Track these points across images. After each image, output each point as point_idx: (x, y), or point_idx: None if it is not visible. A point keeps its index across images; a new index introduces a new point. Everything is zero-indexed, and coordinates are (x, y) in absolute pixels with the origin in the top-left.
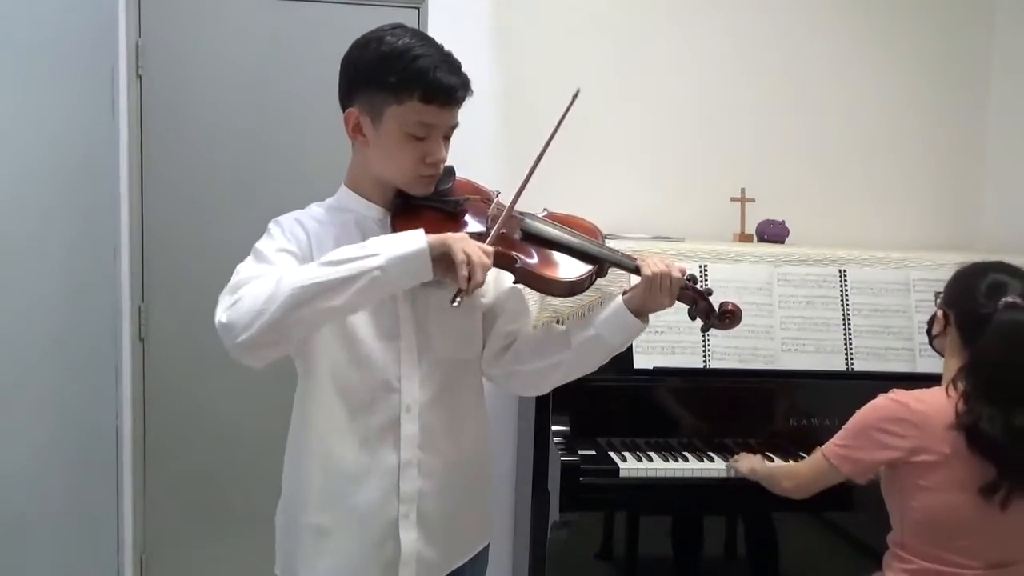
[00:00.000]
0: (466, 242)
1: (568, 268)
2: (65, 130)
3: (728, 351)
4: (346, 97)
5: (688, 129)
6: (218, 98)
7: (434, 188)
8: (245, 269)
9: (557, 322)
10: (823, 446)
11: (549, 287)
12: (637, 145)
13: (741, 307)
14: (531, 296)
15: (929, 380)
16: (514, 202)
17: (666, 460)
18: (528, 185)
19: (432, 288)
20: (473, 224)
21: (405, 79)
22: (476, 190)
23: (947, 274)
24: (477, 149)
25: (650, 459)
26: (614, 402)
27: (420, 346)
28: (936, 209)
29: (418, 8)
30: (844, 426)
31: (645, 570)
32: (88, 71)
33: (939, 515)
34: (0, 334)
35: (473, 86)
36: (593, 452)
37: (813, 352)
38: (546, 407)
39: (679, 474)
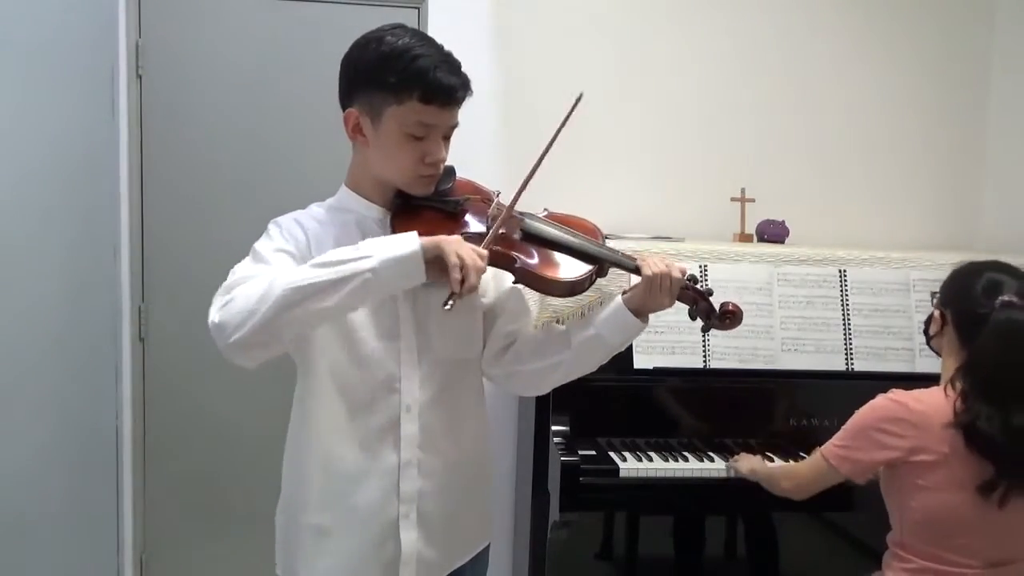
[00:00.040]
0: (460, 245)
1: (568, 268)
2: (65, 130)
3: (728, 351)
4: (346, 97)
5: (688, 129)
6: (218, 98)
7: (434, 188)
8: (241, 269)
9: (557, 322)
10: (822, 447)
11: (549, 287)
12: (637, 145)
13: (741, 307)
14: (531, 296)
15: (929, 380)
16: (514, 202)
17: (666, 460)
18: (528, 185)
19: (432, 288)
20: (473, 224)
21: (405, 79)
22: (476, 190)
23: (947, 274)
24: (477, 149)
25: (650, 459)
26: (614, 402)
27: (420, 346)
28: (936, 209)
29: (418, 8)
30: (843, 427)
31: (645, 570)
32: (88, 71)
33: (938, 514)
34: (0, 334)
35: (473, 86)
36: (593, 452)
37: (813, 352)
38: (546, 407)
39: (679, 474)
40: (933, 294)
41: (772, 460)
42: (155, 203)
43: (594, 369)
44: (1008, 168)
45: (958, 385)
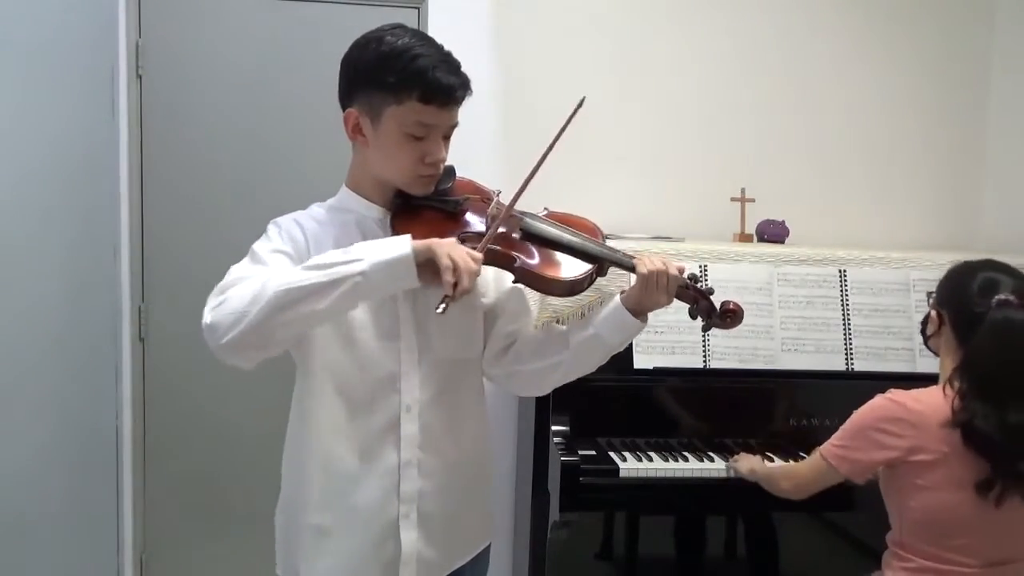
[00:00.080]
0: (453, 247)
1: (567, 267)
2: (65, 130)
3: (728, 351)
4: (346, 97)
5: (688, 129)
6: (218, 98)
7: (434, 188)
8: (237, 270)
9: (557, 322)
10: (821, 446)
11: (548, 286)
12: (637, 145)
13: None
14: (531, 296)
15: (929, 380)
16: (513, 201)
17: (666, 460)
18: (528, 186)
19: (432, 289)
20: (473, 224)
21: (404, 79)
22: (476, 190)
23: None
24: (477, 149)
25: (650, 459)
26: (614, 402)
27: (420, 346)
28: (936, 209)
29: (418, 8)
30: (842, 426)
31: (645, 570)
32: (88, 71)
33: (937, 514)
34: (0, 334)
35: (473, 86)
36: (593, 452)
37: (813, 352)
38: (546, 407)
39: (679, 474)
40: (929, 294)
41: (772, 460)
42: (155, 203)
43: (594, 369)
44: (1008, 168)
45: (956, 384)
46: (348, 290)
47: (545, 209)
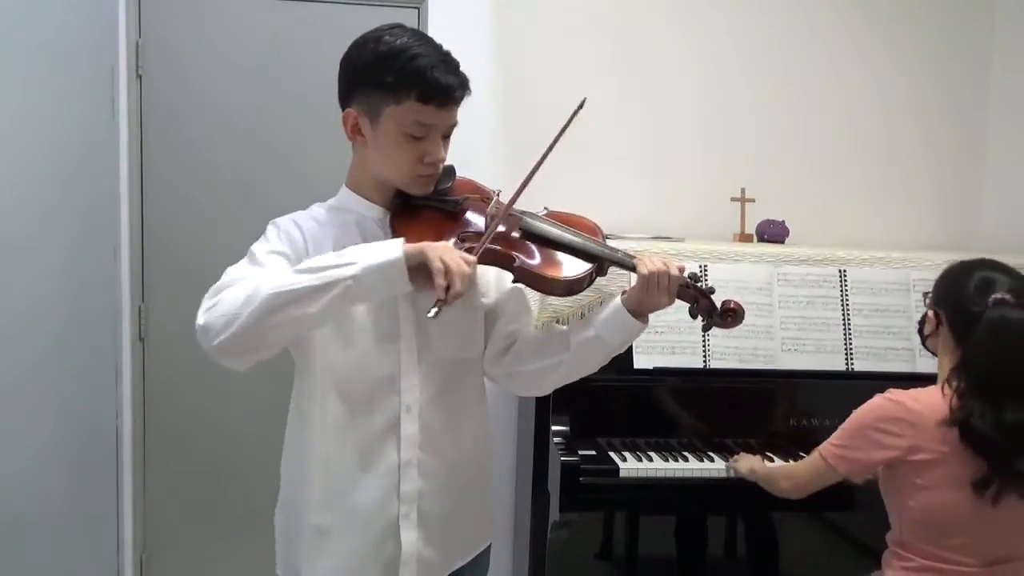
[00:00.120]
0: (446, 250)
1: (567, 267)
2: (65, 130)
3: (728, 351)
4: (345, 97)
5: (688, 129)
6: (218, 98)
7: (434, 188)
8: (233, 271)
9: (557, 322)
10: (820, 446)
11: (547, 286)
12: (637, 145)
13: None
14: (531, 296)
15: (929, 380)
16: (512, 200)
17: (666, 460)
18: (528, 186)
19: (427, 292)
20: (473, 223)
21: (402, 79)
22: (476, 189)
23: None
24: (477, 149)
25: (650, 459)
26: (614, 402)
27: (420, 346)
28: (936, 209)
29: (418, 8)
30: (841, 426)
31: (645, 570)
32: (88, 71)
33: (937, 513)
34: (0, 334)
35: (473, 86)
36: (593, 452)
37: (813, 352)
38: (546, 407)
39: (679, 474)
40: (925, 294)
41: (772, 460)
42: (155, 203)
43: (595, 370)
44: (1008, 168)
45: (954, 383)
46: (340, 294)
47: (545, 208)
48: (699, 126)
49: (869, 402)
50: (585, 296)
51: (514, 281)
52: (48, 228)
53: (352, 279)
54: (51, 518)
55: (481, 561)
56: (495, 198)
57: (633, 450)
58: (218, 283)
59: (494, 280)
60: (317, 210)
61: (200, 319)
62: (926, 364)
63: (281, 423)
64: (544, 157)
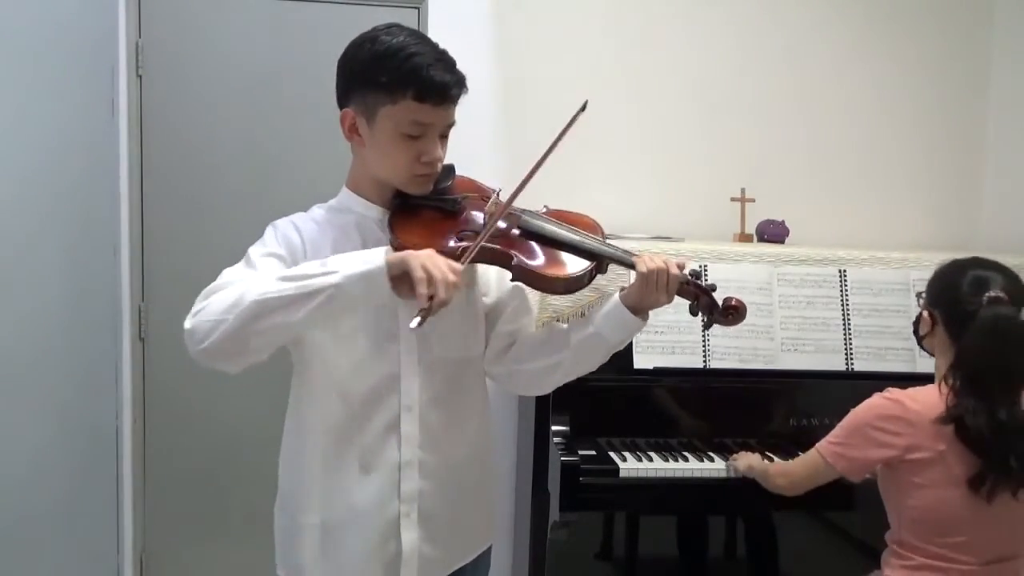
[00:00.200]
0: (430, 258)
1: (566, 264)
2: (65, 130)
3: (728, 351)
4: (342, 97)
5: (688, 129)
6: (218, 98)
7: (432, 187)
8: (228, 273)
9: (557, 321)
10: (818, 443)
11: (546, 284)
12: (637, 145)
13: None
14: (531, 296)
15: (929, 380)
16: (511, 199)
17: (666, 460)
18: (528, 186)
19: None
20: (472, 222)
21: (399, 78)
22: (476, 188)
23: None
24: (477, 148)
25: (650, 459)
26: (614, 402)
27: (420, 346)
28: (936, 209)
29: (418, 8)
30: (839, 424)
31: (645, 570)
32: (88, 71)
33: (935, 511)
34: (0, 334)
35: (473, 86)
36: (593, 452)
37: (813, 352)
38: (546, 407)
39: (679, 474)
40: (919, 295)
41: (772, 460)
42: (155, 203)
43: (595, 368)
44: (1008, 168)
45: (950, 381)
46: (323, 302)
47: (545, 206)
48: (699, 126)
49: (867, 401)
50: (585, 295)
51: (512, 279)
52: (48, 228)
53: (334, 287)
54: (51, 518)
55: (482, 562)
56: (494, 197)
57: (633, 450)
58: (211, 285)
59: (495, 279)
60: (317, 211)
61: (187, 323)
62: (926, 364)
63: (281, 423)
64: (544, 157)
